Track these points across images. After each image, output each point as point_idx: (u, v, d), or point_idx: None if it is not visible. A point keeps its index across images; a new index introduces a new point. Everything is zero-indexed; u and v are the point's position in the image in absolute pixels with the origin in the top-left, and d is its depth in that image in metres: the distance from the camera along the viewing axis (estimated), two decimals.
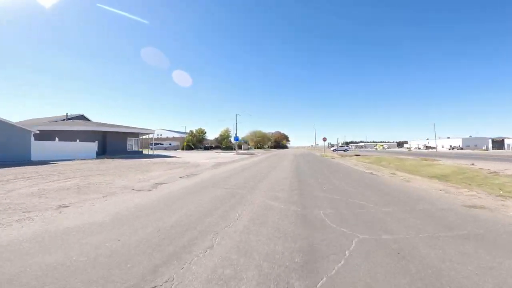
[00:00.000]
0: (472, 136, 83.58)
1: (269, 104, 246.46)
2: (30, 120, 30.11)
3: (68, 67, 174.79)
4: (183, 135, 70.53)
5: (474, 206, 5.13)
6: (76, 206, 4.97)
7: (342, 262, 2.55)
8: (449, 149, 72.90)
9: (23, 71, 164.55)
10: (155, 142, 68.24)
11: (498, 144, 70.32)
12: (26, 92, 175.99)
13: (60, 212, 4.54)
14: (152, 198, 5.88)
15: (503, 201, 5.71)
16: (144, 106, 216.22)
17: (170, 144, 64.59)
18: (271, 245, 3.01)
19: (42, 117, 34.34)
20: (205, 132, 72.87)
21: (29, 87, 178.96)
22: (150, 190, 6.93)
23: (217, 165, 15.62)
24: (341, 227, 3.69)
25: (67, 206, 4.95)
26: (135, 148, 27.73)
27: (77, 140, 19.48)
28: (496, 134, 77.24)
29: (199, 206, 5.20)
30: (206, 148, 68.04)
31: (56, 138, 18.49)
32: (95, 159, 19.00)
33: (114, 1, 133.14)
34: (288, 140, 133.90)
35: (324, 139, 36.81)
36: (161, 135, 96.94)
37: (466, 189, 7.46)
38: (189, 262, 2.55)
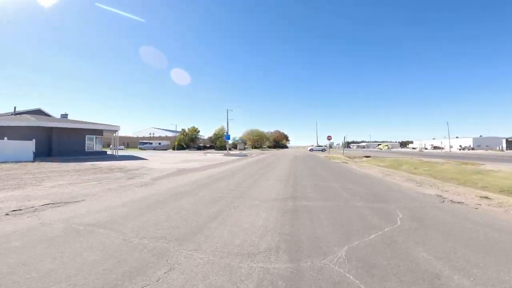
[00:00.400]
0: (483, 136, 78.87)
1: (269, 104, 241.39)
2: None
3: (68, 67, 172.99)
4: (176, 134, 65.95)
5: None
6: None
7: None
8: (459, 149, 68.10)
9: (23, 71, 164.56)
10: (143, 141, 63.59)
11: None
12: (26, 92, 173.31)
13: None
14: None
15: None
16: (144, 106, 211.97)
17: (159, 143, 59.95)
18: None
19: None
20: (199, 131, 68.24)
21: (29, 87, 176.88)
22: None
23: (172, 175, 11.05)
24: None
25: None
26: (98, 148, 23.01)
27: (5, 138, 14.87)
28: (507, 134, 72.47)
29: None
30: (199, 148, 63.43)
31: None
32: (31, 161, 14.40)
33: (113, 0, 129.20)
34: (288, 140, 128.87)
35: (329, 138, 31.16)
36: (153, 134, 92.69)
37: None
38: None
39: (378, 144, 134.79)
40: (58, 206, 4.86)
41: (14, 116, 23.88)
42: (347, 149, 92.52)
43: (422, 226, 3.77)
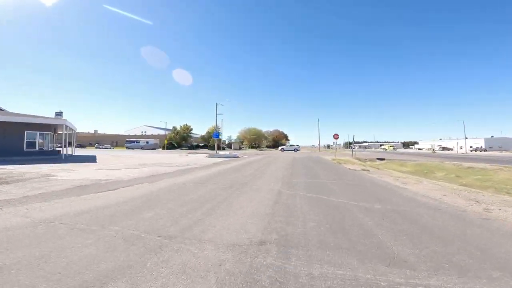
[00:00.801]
0: (494, 136, 74.30)
1: (269, 104, 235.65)
2: None
3: (68, 67, 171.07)
4: (167, 133, 61.42)
5: None
6: None
7: None
8: (471, 151, 63.46)
9: (23, 71, 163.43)
10: (130, 140, 58.99)
11: None
12: (26, 92, 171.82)
13: None
14: None
15: None
16: (143, 106, 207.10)
17: (147, 142, 55.37)
18: None
19: None
20: (191, 129, 63.70)
21: (29, 87, 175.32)
22: None
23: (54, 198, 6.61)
24: None
25: None
26: (48, 147, 18.48)
27: None
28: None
29: None
30: (191, 147, 58.91)
31: None
32: None
33: (115, 1, 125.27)
34: (287, 140, 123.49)
35: (336, 137, 26.02)
36: (145, 132, 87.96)
37: None
38: None
39: (381, 145, 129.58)
40: None
41: None
42: (348, 149, 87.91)
43: None
